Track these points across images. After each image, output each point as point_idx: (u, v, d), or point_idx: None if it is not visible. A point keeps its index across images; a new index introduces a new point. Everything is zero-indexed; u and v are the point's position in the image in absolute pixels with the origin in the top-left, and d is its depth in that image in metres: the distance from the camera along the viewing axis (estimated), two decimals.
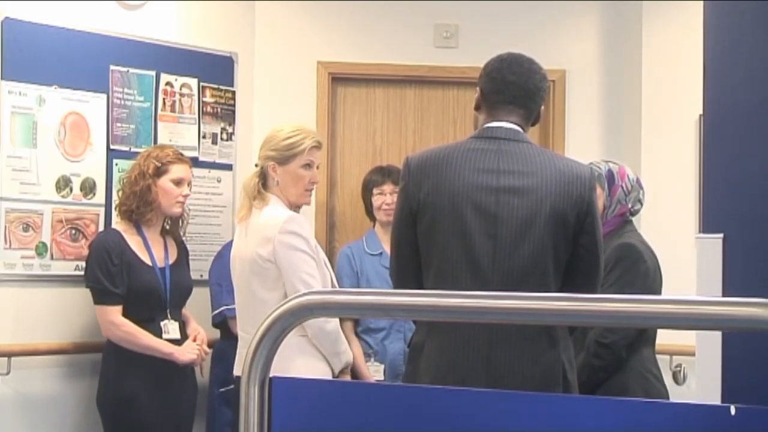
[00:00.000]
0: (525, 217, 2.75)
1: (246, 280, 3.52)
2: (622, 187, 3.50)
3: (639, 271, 3.36)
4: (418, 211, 2.80)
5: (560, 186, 2.78)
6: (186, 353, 4.07)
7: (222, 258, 4.48)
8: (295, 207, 3.64)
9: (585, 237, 2.83)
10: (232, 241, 4.48)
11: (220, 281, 4.39)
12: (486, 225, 2.74)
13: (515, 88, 2.86)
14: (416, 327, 2.93)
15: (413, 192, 2.81)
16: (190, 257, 4.39)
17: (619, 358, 3.34)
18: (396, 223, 2.90)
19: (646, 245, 3.47)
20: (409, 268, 2.86)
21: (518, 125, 2.86)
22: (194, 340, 4.16)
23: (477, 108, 2.93)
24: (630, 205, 3.51)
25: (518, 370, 2.73)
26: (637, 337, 3.37)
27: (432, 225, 2.78)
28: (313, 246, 3.51)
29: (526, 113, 2.88)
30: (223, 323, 4.38)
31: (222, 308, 4.36)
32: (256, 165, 3.65)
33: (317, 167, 3.69)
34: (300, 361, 3.40)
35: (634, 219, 3.61)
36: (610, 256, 3.34)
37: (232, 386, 4.30)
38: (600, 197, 3.37)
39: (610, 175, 3.50)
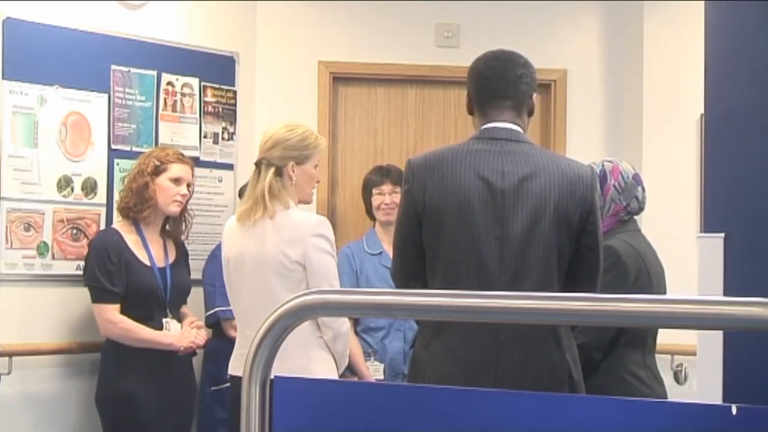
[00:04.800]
0: (530, 218, 2.74)
1: (263, 280, 3.48)
2: (615, 186, 3.41)
3: (617, 273, 3.25)
4: (424, 214, 2.79)
5: (563, 186, 2.78)
6: (184, 339, 4.08)
7: (216, 258, 4.46)
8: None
9: (587, 237, 2.83)
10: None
11: (214, 282, 4.38)
12: (492, 227, 2.74)
13: (495, 81, 2.87)
14: (420, 328, 2.91)
15: (418, 194, 2.80)
16: (190, 257, 4.40)
17: (591, 360, 3.24)
18: (400, 225, 2.88)
19: (632, 246, 3.34)
20: (413, 270, 2.85)
21: (514, 123, 2.86)
22: (191, 327, 4.16)
23: (470, 112, 2.95)
24: (625, 204, 3.41)
25: (527, 370, 2.73)
26: (614, 339, 3.28)
27: (438, 228, 2.77)
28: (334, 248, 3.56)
29: (515, 104, 2.87)
30: (217, 324, 4.37)
31: (215, 309, 4.36)
32: (256, 164, 3.62)
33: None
34: (317, 360, 3.46)
35: (636, 218, 3.56)
36: None
37: (223, 385, 4.31)
38: None
39: (603, 175, 3.41)
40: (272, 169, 3.55)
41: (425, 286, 2.82)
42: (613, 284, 3.22)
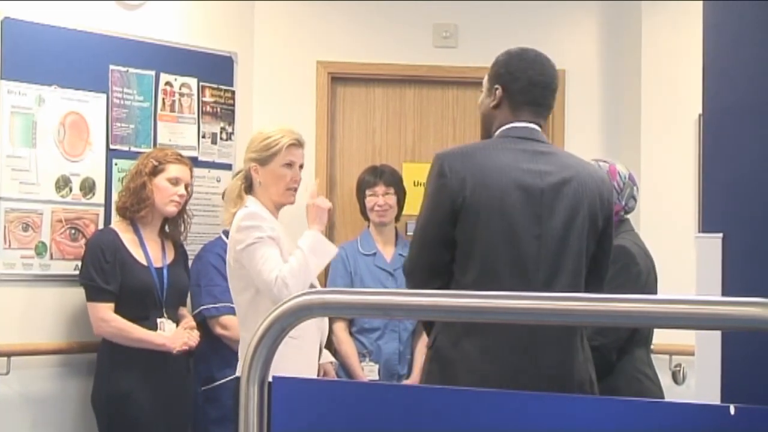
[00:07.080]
0: (567, 217, 2.75)
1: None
2: (614, 186, 3.43)
3: (630, 273, 3.31)
4: (462, 209, 2.71)
5: (593, 188, 2.81)
6: (177, 340, 4.06)
7: (201, 259, 4.47)
8: (279, 207, 3.65)
9: (606, 239, 2.88)
10: (210, 243, 4.49)
11: (199, 282, 4.38)
12: (531, 225, 2.73)
13: (542, 89, 2.88)
14: (444, 324, 2.78)
15: (457, 188, 2.71)
16: (188, 256, 4.39)
17: (609, 361, 3.29)
18: (429, 220, 2.77)
19: (639, 247, 3.42)
20: (437, 268, 2.78)
21: (539, 126, 2.88)
22: (185, 328, 4.16)
23: (497, 106, 2.88)
24: (624, 203, 3.47)
25: (561, 370, 2.72)
26: (629, 339, 3.33)
27: (475, 224, 2.72)
28: (267, 227, 3.48)
29: (547, 113, 2.92)
30: (203, 323, 4.35)
31: (200, 308, 4.35)
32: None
33: (300, 166, 3.67)
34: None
35: (632, 219, 3.59)
36: None
37: (213, 384, 4.31)
38: None
39: None
40: (241, 173, 3.66)
41: (446, 285, 2.75)
42: (629, 285, 3.28)
